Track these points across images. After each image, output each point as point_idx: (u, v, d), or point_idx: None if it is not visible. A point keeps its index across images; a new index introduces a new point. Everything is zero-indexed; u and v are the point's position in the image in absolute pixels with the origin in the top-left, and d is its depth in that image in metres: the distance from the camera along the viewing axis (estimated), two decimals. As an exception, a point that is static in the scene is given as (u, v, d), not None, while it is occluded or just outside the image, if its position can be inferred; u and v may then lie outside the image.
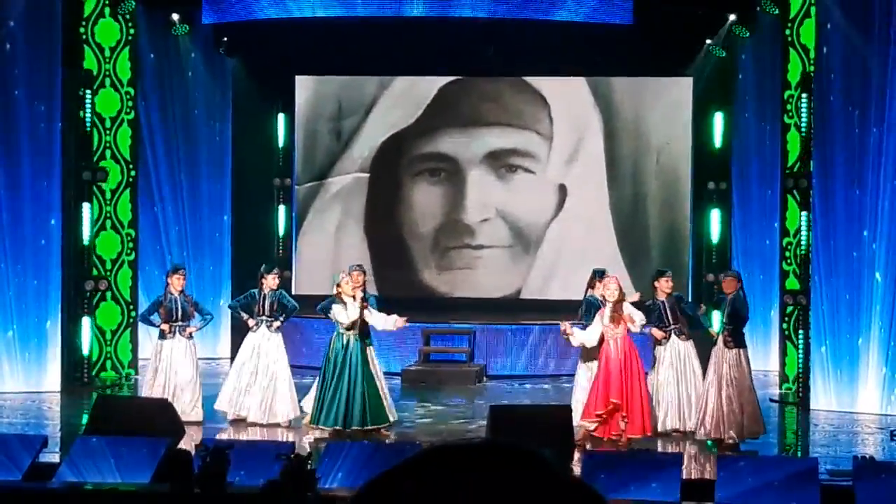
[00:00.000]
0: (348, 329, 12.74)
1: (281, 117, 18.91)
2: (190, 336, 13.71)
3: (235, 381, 13.62)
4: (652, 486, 10.22)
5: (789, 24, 15.99)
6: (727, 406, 12.45)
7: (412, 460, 1.77)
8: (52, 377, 15.59)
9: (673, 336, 13.16)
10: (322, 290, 16.29)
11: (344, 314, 12.79)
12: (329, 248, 18.69)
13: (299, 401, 13.58)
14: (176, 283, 13.66)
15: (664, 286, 13.21)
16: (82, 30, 16.37)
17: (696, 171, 18.06)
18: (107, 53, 16.80)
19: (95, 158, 16.57)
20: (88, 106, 16.30)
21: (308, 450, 11.21)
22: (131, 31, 16.97)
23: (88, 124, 16.32)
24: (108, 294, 16.81)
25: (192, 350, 13.73)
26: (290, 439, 12.26)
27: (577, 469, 10.71)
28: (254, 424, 13.44)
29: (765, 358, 16.89)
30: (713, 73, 17.70)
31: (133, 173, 17.10)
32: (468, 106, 18.58)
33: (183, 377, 13.54)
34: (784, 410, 15.22)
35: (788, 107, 16.02)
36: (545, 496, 1.73)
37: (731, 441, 12.42)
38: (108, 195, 16.85)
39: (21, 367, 15.51)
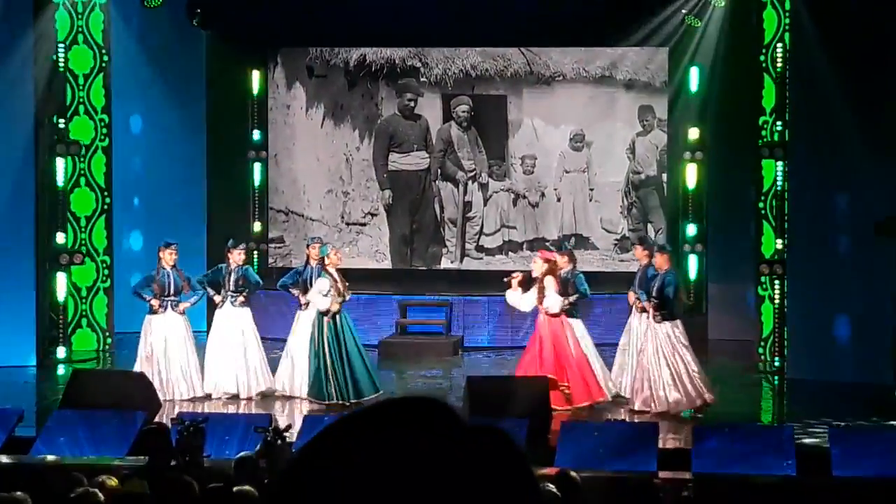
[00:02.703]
0: (342, 301, 12.79)
1: (255, 87, 18.67)
2: (182, 312, 13.63)
3: (212, 359, 13.60)
4: (629, 457, 10.27)
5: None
6: (656, 377, 12.41)
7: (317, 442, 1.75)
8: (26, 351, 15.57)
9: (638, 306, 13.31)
10: (294, 264, 16.26)
11: (334, 286, 12.80)
12: (303, 223, 18.61)
13: (273, 374, 13.64)
14: (168, 257, 13.56)
15: (638, 254, 13.72)
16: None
17: (671, 144, 18.01)
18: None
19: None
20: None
21: (287, 422, 11.23)
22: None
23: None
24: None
25: (184, 326, 13.63)
26: (266, 412, 12.28)
27: (553, 440, 10.74)
28: (233, 398, 13.46)
29: (742, 327, 16.88)
30: (689, 42, 17.55)
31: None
32: (445, 77, 18.48)
33: (176, 353, 13.42)
34: (760, 379, 15.29)
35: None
36: (456, 446, 1.72)
37: (651, 409, 12.42)
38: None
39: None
